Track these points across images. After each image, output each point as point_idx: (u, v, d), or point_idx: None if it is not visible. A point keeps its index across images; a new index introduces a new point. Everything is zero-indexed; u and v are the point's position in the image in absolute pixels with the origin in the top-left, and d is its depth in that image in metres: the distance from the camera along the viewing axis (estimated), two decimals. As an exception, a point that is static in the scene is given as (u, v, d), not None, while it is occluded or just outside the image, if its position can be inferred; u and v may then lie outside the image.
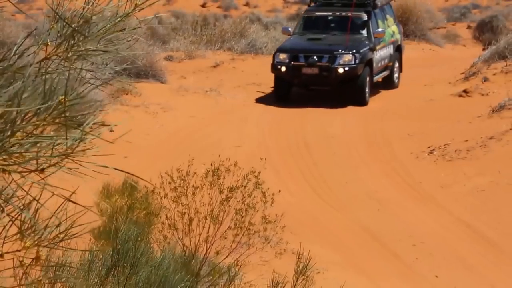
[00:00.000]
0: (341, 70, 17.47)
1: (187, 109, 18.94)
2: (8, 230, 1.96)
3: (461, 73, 21.71)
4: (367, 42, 18.19)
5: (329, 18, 18.86)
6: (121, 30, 1.96)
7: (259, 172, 9.58)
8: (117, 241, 3.89)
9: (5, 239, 1.98)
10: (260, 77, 22.39)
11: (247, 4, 44.79)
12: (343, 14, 18.64)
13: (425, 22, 29.15)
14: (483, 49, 22.93)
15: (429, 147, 15.87)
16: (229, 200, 9.21)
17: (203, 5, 43.04)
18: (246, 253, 9.02)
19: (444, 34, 32.39)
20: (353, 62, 17.51)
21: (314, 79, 17.80)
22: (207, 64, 24.62)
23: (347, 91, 18.06)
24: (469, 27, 35.49)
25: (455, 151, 15.32)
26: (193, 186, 9.34)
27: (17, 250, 1.97)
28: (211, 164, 9.46)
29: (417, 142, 16.36)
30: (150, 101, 18.59)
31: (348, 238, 12.25)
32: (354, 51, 17.58)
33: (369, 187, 14.16)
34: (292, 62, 17.77)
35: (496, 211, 12.73)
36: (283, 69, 18.02)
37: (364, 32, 18.50)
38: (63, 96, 1.86)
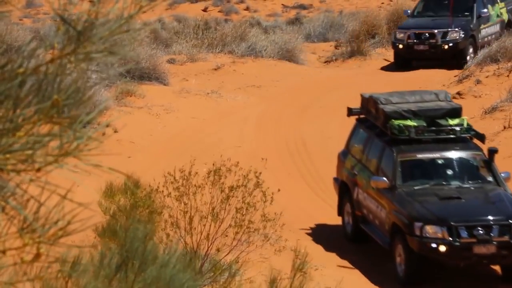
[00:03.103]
0: None
1: (189, 110, 18.99)
2: (9, 228, 1.98)
3: (455, 76, 21.60)
4: (507, 190, 13.19)
5: (439, 162, 13.44)
6: (125, 32, 1.94)
7: (260, 173, 9.81)
8: (125, 239, 3.88)
9: (6, 236, 1.98)
10: (260, 79, 22.31)
11: (247, 9, 44.81)
12: (456, 156, 13.46)
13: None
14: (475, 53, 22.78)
15: (423, 148, 15.94)
16: (230, 199, 9.47)
17: (205, 10, 43.11)
18: (246, 251, 9.24)
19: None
20: None
21: (488, 258, 12.60)
22: (209, 67, 24.52)
23: None
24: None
25: (449, 151, 15.38)
26: (195, 185, 9.58)
27: (18, 248, 1.97)
28: (213, 164, 9.67)
29: (412, 142, 16.43)
30: (153, 103, 18.65)
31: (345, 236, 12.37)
32: None
33: (365, 186, 14.18)
34: (459, 240, 12.33)
35: (488, 209, 12.71)
36: (443, 248, 12.27)
37: (491, 178, 13.33)
38: (56, 96, 1.88)
